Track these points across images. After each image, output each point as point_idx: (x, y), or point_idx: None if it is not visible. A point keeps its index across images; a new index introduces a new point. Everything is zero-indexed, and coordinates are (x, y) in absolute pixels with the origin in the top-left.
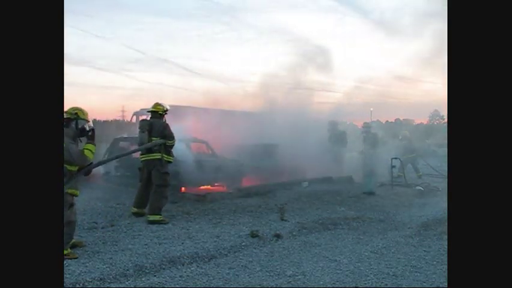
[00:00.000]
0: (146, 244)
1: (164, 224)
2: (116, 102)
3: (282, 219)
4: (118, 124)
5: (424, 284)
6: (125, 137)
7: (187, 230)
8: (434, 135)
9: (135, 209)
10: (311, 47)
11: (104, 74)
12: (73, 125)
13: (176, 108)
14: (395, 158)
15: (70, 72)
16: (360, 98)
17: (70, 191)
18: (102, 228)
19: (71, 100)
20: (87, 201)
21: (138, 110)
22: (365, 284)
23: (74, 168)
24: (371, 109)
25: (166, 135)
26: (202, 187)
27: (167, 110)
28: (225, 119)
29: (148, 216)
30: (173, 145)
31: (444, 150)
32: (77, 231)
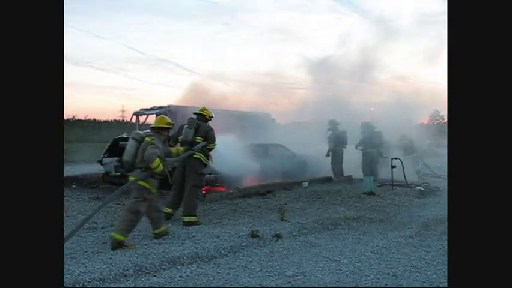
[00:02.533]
0: (146, 244)
1: (198, 224)
2: (116, 102)
3: (282, 219)
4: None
5: (424, 284)
6: (125, 137)
7: (187, 230)
8: (434, 135)
9: (169, 210)
10: (310, 47)
11: (104, 74)
12: (166, 132)
13: (177, 108)
14: (395, 158)
15: (70, 72)
16: (360, 97)
17: (144, 184)
18: (102, 228)
19: (71, 100)
20: (87, 201)
21: (138, 110)
22: (365, 284)
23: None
24: (371, 109)
25: (209, 137)
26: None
27: (212, 117)
28: (224, 119)
29: (184, 217)
30: (213, 148)
31: (444, 150)
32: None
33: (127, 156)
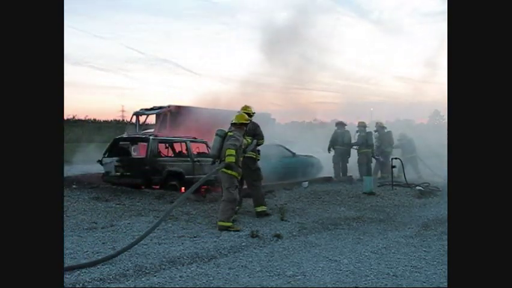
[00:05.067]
0: (146, 244)
1: (267, 215)
2: (116, 102)
3: (282, 219)
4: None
5: (424, 284)
6: (125, 137)
7: (187, 230)
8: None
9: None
10: (311, 47)
11: (104, 74)
12: (245, 127)
13: (177, 108)
14: (395, 158)
15: (70, 72)
16: (360, 98)
17: (235, 174)
18: (102, 228)
19: (71, 100)
20: (87, 201)
21: (138, 110)
22: (365, 284)
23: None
24: (371, 109)
25: (258, 133)
26: None
27: (254, 112)
28: (224, 119)
29: (256, 208)
30: (262, 144)
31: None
32: (77, 231)
33: (212, 150)
